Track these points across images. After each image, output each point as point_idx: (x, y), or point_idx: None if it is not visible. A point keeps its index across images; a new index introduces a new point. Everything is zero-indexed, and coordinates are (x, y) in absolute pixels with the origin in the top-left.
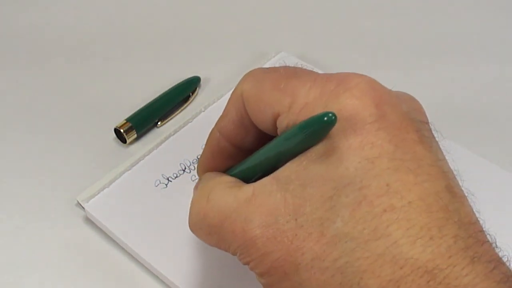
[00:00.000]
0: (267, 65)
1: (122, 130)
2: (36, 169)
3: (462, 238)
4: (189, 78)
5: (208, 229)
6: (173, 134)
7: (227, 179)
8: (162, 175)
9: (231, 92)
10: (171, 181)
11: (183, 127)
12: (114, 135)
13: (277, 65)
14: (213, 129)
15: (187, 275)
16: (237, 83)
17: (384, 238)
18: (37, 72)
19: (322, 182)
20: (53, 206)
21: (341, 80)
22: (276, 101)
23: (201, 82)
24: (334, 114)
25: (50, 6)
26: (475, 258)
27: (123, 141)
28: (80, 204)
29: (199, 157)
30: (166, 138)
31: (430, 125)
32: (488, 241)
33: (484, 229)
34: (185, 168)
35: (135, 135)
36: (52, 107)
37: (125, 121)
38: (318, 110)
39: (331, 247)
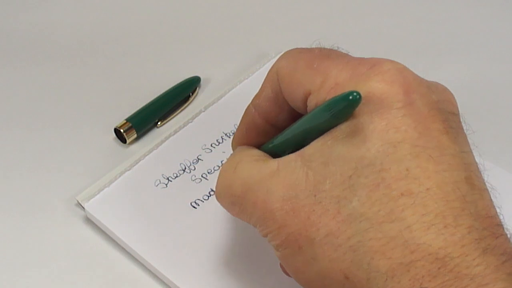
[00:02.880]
0: (267, 66)
1: (122, 130)
2: (36, 169)
3: (477, 230)
4: (189, 78)
5: (231, 199)
6: (173, 134)
7: (255, 152)
8: (162, 175)
9: (231, 92)
10: (171, 181)
11: (183, 127)
12: (114, 135)
13: None
14: (248, 106)
15: (187, 274)
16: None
17: (398, 222)
18: (37, 72)
19: (344, 161)
20: (53, 206)
21: (373, 64)
22: (308, 80)
23: (201, 82)
24: (358, 93)
25: (50, 6)
26: (487, 249)
27: (123, 141)
28: (80, 204)
29: (199, 157)
30: (166, 138)
31: (461, 118)
32: (504, 234)
33: (502, 223)
34: (185, 168)
35: (135, 135)
36: (52, 107)
37: (125, 121)
38: (347, 90)
39: (346, 225)
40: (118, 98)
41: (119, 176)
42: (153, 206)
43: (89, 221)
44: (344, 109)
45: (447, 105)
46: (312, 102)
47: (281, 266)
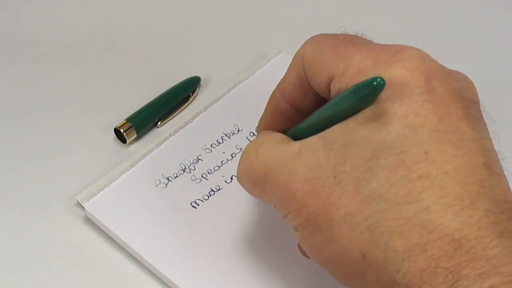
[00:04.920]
0: (267, 66)
1: (122, 130)
2: (36, 169)
3: (494, 213)
4: (189, 78)
5: (253, 180)
6: (173, 134)
7: (278, 135)
8: (162, 174)
9: (231, 92)
10: (171, 180)
11: (183, 127)
12: (114, 135)
13: (277, 66)
14: (274, 91)
15: (187, 274)
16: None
17: (416, 203)
18: (37, 72)
19: (364, 143)
20: (53, 206)
21: (396, 51)
22: (332, 65)
23: (201, 82)
24: (382, 79)
25: (51, 6)
26: (504, 233)
27: (123, 141)
28: (80, 204)
29: (199, 157)
30: (166, 138)
31: (481, 106)
32: None
33: None
34: (185, 168)
35: (135, 135)
36: (52, 107)
37: (125, 121)
38: (370, 76)
39: (364, 205)
40: (118, 98)
41: (119, 176)
42: (153, 206)
43: (89, 221)
44: (368, 94)
45: (467, 92)
46: (335, 87)
47: (299, 247)
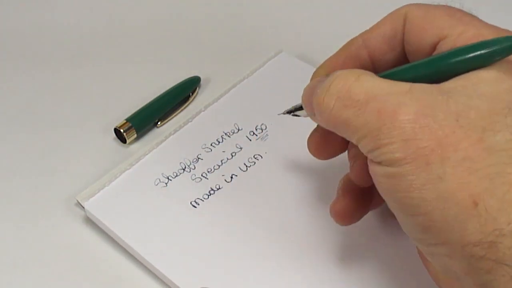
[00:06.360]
0: (267, 65)
1: (122, 130)
2: (36, 169)
3: None
4: (189, 78)
5: (347, 102)
6: (173, 134)
7: (373, 74)
8: (162, 174)
9: (231, 92)
10: (171, 180)
11: (183, 127)
12: (114, 135)
13: (277, 66)
14: (356, 37)
15: (187, 273)
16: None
17: None
18: (37, 72)
19: (492, 98)
20: (53, 206)
21: None
22: (448, 26)
23: (201, 82)
24: None
25: (50, 6)
26: None
27: (123, 141)
28: (79, 204)
29: (199, 156)
30: (166, 138)
31: None
32: None
33: None
34: (185, 167)
35: (135, 135)
36: (52, 107)
37: (125, 121)
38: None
39: (486, 153)
40: (118, 98)
41: (119, 176)
42: (153, 205)
43: (89, 220)
44: (499, 50)
45: None
46: (447, 45)
47: (331, 210)
